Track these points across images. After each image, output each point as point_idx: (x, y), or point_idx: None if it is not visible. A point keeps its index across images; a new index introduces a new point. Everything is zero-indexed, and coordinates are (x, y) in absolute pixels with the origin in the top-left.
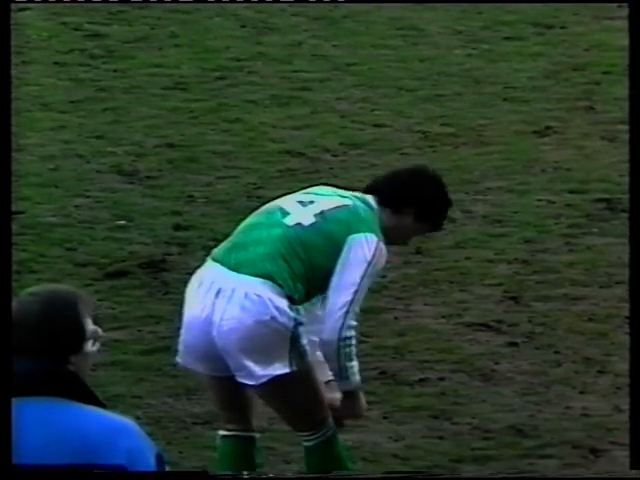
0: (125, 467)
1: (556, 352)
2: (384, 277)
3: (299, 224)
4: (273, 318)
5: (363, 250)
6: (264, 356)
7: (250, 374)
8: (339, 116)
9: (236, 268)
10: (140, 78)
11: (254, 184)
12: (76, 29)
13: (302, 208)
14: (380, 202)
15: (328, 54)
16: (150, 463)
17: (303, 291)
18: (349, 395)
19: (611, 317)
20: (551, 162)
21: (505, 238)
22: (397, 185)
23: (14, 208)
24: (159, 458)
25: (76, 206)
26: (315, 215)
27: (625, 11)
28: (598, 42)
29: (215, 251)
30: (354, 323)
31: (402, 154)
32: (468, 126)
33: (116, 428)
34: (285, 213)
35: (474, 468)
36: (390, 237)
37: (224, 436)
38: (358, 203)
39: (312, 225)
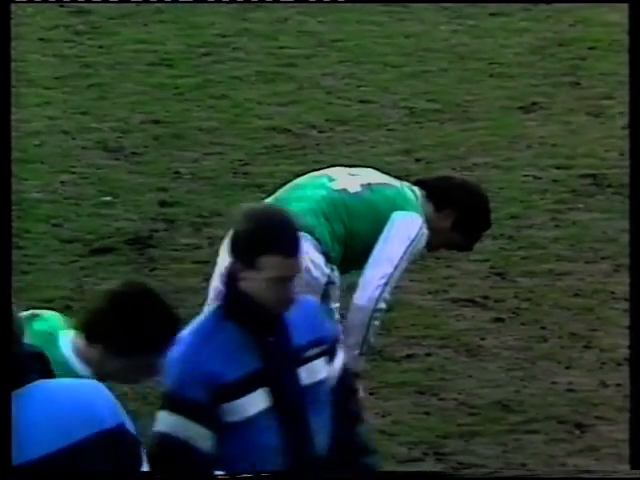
0: (121, 425)
1: (542, 327)
2: None
3: (345, 190)
4: (307, 270)
5: (407, 227)
6: None
7: None
8: (325, 92)
9: None
10: (125, 54)
11: (240, 160)
12: (61, 5)
13: (350, 177)
14: (426, 195)
15: (314, 30)
16: (122, 415)
17: (340, 253)
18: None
19: (597, 292)
20: (537, 138)
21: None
22: (448, 185)
23: None
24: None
25: (62, 182)
26: (362, 185)
27: None
28: (583, 18)
29: None
30: (389, 297)
31: (388, 130)
32: (454, 102)
33: (86, 396)
34: (331, 179)
35: (460, 443)
36: None
37: None
38: (405, 188)
39: (358, 193)
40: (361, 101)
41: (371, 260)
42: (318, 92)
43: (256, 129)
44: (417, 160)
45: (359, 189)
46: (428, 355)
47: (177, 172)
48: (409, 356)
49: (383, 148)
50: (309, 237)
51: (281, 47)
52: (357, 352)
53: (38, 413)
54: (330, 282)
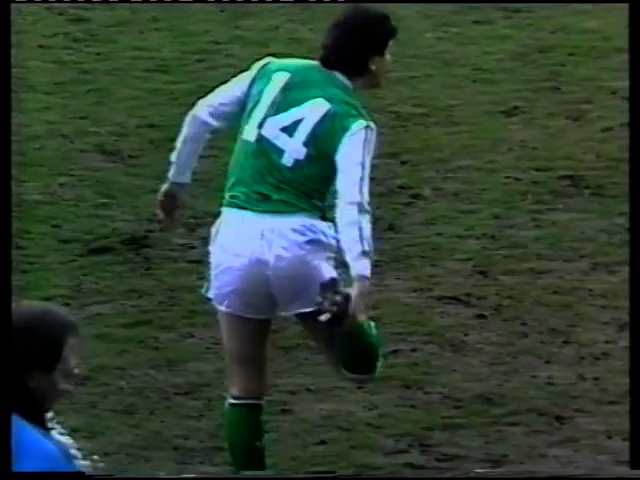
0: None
1: (523, 324)
2: None
3: (297, 161)
4: (325, 244)
5: (356, 141)
6: (318, 282)
7: (310, 301)
8: None
9: (269, 211)
10: (122, 61)
11: None
12: (60, 14)
13: (291, 140)
14: (348, 74)
15: (304, 38)
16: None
17: (325, 202)
18: (357, 285)
19: (575, 290)
20: (518, 141)
21: (474, 214)
22: (351, 48)
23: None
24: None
25: (60, 184)
26: (305, 144)
27: None
28: (563, 25)
29: (232, 199)
30: (368, 199)
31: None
32: (438, 106)
33: (32, 449)
34: (280, 151)
35: (444, 435)
36: (369, 87)
37: (234, 405)
38: (334, 99)
39: (308, 157)
40: None
41: (340, 172)
42: None
43: None
44: (403, 162)
45: (305, 151)
46: (413, 350)
47: None
48: (395, 351)
49: None
50: (305, 214)
51: (272, 54)
52: (361, 250)
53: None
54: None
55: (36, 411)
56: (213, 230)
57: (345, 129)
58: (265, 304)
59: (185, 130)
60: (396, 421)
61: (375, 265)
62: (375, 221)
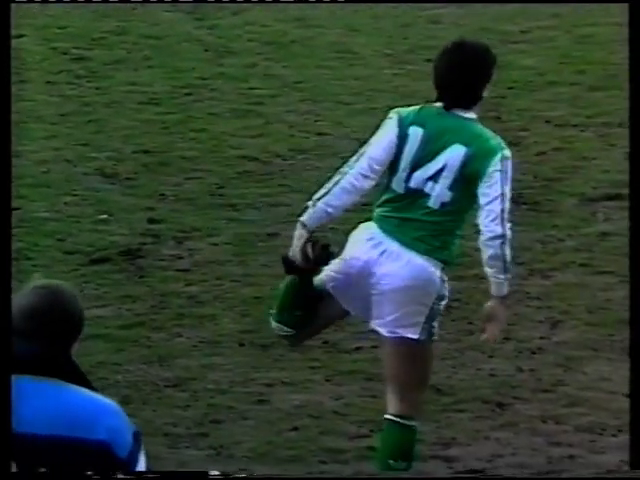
0: (107, 442)
1: (469, 323)
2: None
3: (443, 204)
4: (428, 290)
5: (494, 176)
6: (405, 316)
7: (385, 324)
8: (288, 126)
9: (402, 241)
10: (119, 94)
11: (216, 184)
12: (64, 53)
13: (437, 186)
14: (466, 107)
15: (278, 74)
16: (128, 440)
17: (456, 244)
18: (498, 301)
19: (514, 293)
20: None
21: None
22: (470, 84)
23: (13, 205)
24: (136, 436)
25: (65, 203)
26: (450, 188)
27: (529, 35)
28: (505, 63)
29: (381, 216)
30: (509, 227)
31: (341, 158)
32: None
33: (99, 407)
34: (427, 196)
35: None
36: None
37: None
38: (469, 141)
39: (453, 199)
40: (318, 134)
41: (482, 204)
42: (282, 126)
43: (230, 157)
44: (374, 186)
45: (450, 194)
46: (374, 347)
47: (163, 194)
48: (358, 348)
49: None
50: (429, 257)
51: (251, 88)
52: (504, 278)
53: (53, 399)
54: (441, 298)
55: (83, 376)
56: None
57: (485, 168)
58: (355, 304)
59: (340, 185)
60: (359, 410)
61: None
62: (342, 233)
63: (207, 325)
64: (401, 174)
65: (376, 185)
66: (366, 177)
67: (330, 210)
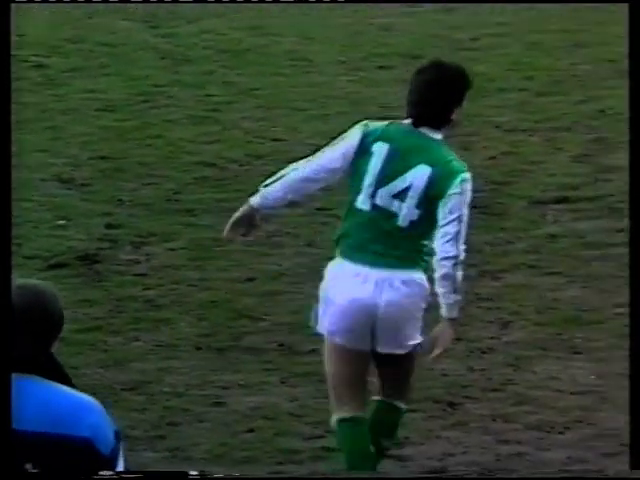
0: (91, 439)
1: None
2: (280, 265)
3: (411, 222)
4: (424, 297)
5: (454, 199)
6: (412, 329)
7: (401, 345)
8: (244, 132)
9: (384, 265)
10: (76, 102)
11: (173, 189)
12: (24, 61)
13: (404, 204)
14: (435, 127)
15: (234, 81)
16: (110, 438)
17: (428, 254)
18: (448, 323)
19: (465, 294)
20: None
21: None
22: (442, 104)
23: None
24: (117, 434)
25: (24, 209)
26: (417, 206)
27: (478, 43)
28: None
29: (350, 255)
30: (463, 249)
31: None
32: None
33: (82, 405)
34: (394, 215)
35: None
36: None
37: (344, 420)
38: (434, 162)
39: (420, 218)
40: (274, 139)
41: (439, 226)
42: (238, 132)
43: (186, 163)
44: (320, 189)
45: (417, 212)
46: None
47: (120, 200)
48: (313, 351)
49: None
50: (414, 269)
51: (207, 95)
52: (454, 300)
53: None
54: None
55: (64, 374)
56: (327, 274)
57: (445, 189)
58: (368, 340)
59: (286, 179)
60: (314, 411)
61: (295, 275)
62: (296, 237)
63: (164, 329)
64: (367, 190)
65: (320, 190)
66: (312, 180)
67: (269, 202)
